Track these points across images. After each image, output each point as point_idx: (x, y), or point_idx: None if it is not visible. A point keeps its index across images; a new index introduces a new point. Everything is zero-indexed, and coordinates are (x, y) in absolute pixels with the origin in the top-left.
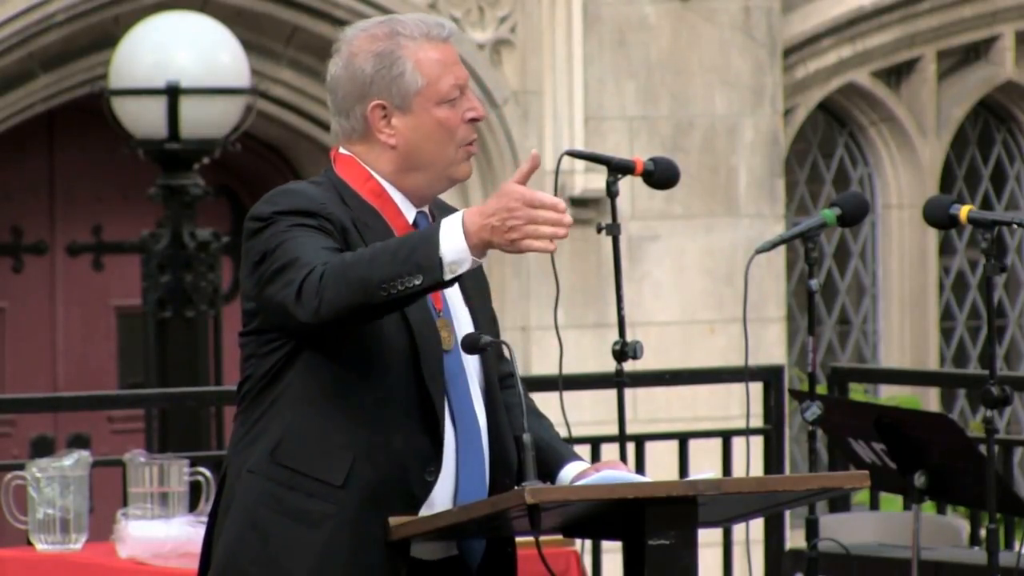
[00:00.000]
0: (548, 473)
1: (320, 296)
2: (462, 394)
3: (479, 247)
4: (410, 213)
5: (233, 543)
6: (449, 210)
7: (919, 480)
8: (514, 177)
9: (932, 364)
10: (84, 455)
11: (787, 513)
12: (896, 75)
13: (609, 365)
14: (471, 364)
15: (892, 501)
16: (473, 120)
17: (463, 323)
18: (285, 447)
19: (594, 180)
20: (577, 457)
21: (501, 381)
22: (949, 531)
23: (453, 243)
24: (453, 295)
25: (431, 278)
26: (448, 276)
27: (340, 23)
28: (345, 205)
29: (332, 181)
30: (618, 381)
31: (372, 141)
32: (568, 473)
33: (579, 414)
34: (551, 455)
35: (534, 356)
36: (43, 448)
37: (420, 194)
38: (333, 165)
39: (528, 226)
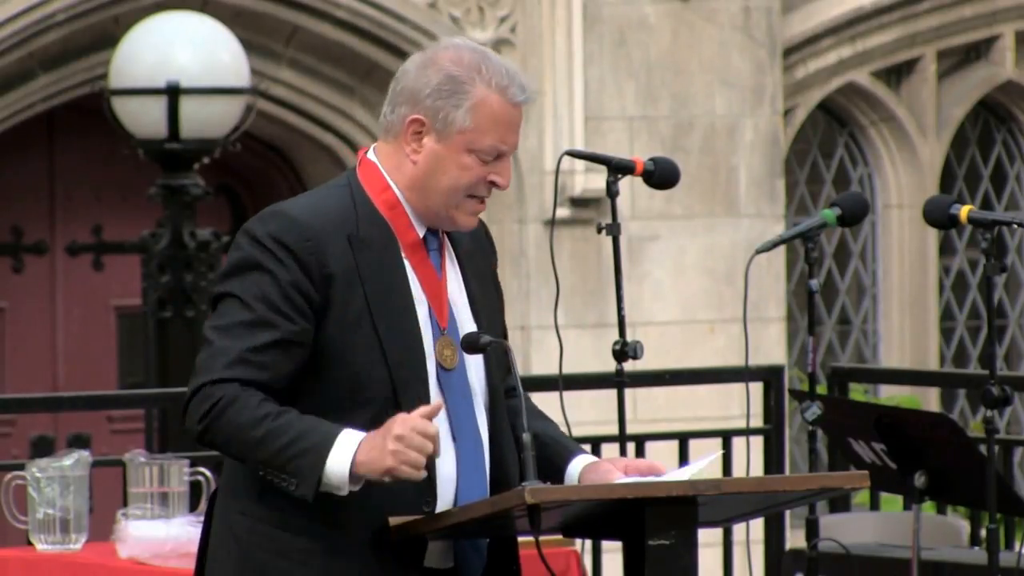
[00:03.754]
0: (556, 468)
1: (208, 430)
2: (464, 412)
3: (358, 479)
4: (421, 229)
5: None
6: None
7: (919, 480)
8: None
9: (932, 364)
10: (84, 455)
11: (787, 513)
12: (896, 75)
13: (609, 365)
14: (477, 380)
15: (892, 501)
16: (493, 184)
17: None
18: (271, 488)
19: (594, 180)
20: (582, 451)
21: (508, 393)
22: (949, 531)
23: (338, 468)
24: (461, 310)
25: (302, 491)
26: (312, 496)
27: (340, 23)
28: (355, 212)
29: (351, 185)
30: (618, 381)
31: (399, 148)
32: (576, 467)
33: (579, 414)
34: (558, 450)
35: (534, 356)
36: (43, 448)
37: (427, 217)
38: (357, 166)
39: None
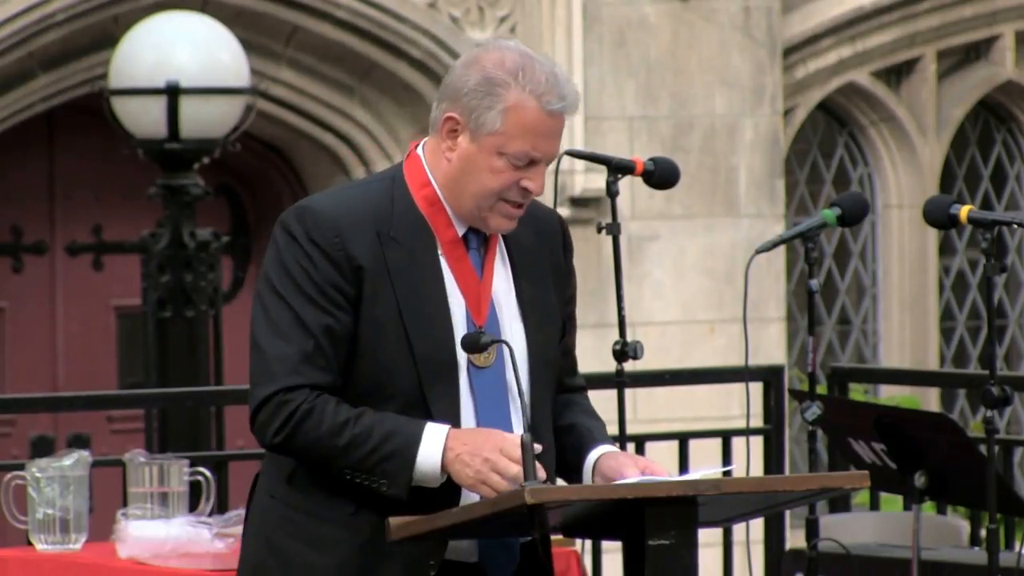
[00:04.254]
0: (581, 455)
1: (286, 440)
2: (496, 412)
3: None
4: (460, 227)
5: (253, 568)
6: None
7: (919, 480)
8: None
9: (932, 364)
10: (84, 455)
11: (787, 513)
12: (896, 75)
13: (609, 365)
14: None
15: (892, 501)
16: (526, 190)
17: (516, 339)
18: (301, 473)
19: (594, 180)
20: (607, 441)
21: (577, 392)
22: (949, 531)
23: (429, 467)
24: (506, 309)
25: (394, 491)
26: (406, 495)
27: (340, 23)
28: (391, 207)
29: (395, 178)
30: (618, 381)
31: (438, 143)
32: (594, 455)
33: None
34: (587, 439)
35: None
36: (43, 448)
37: (462, 216)
38: (406, 158)
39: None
